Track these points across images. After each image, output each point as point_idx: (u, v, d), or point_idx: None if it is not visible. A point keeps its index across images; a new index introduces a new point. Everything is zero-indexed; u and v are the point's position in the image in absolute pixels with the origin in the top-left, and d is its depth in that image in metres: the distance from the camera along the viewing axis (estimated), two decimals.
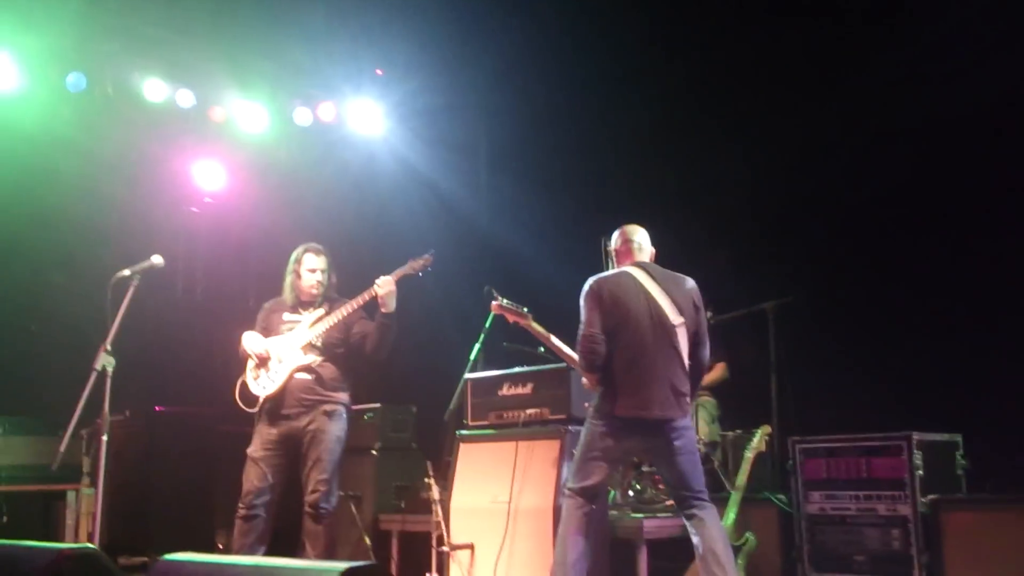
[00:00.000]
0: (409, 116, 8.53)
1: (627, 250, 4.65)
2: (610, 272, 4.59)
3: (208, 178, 8.35)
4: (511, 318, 5.02)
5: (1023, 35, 5.29)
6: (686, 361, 4.42)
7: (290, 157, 8.36)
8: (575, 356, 4.63)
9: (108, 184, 7.49)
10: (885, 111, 6.01)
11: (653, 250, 4.70)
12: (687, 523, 4.35)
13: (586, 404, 4.68)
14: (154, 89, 7.66)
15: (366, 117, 8.48)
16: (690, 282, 4.57)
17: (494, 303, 5.04)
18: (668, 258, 6.94)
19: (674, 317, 4.39)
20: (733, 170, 6.88)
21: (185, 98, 7.81)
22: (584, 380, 4.65)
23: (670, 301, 4.42)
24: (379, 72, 8.45)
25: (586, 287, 4.48)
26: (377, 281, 5.16)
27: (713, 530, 4.28)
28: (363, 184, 8.65)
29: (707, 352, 4.61)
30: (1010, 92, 5.36)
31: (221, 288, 8.45)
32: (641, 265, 4.57)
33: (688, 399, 4.44)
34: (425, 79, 8.15)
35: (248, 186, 8.45)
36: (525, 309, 4.99)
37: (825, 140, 6.34)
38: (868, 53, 6.22)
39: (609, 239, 5.83)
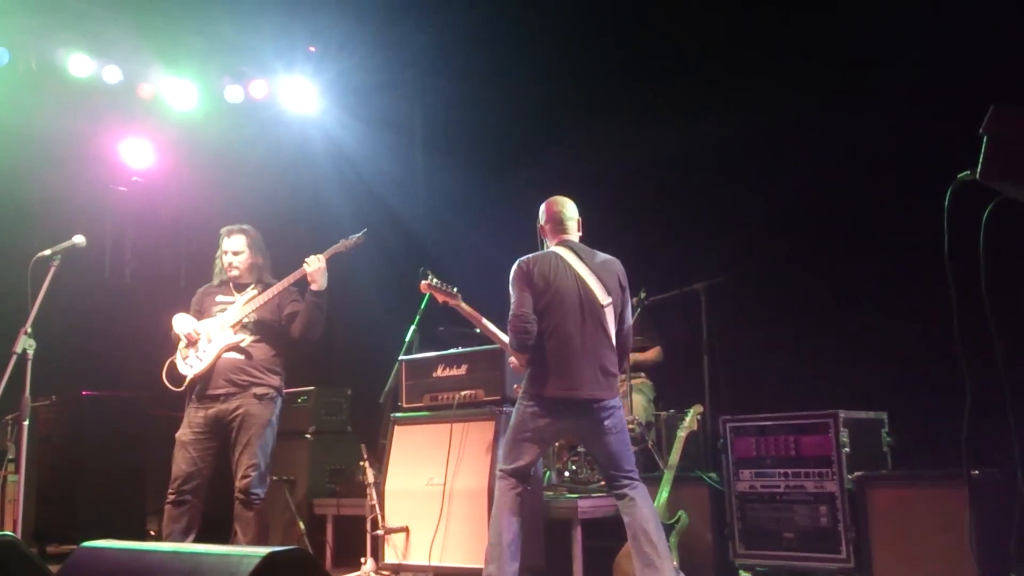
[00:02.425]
0: (343, 94, 8.43)
1: (554, 226, 4.65)
2: (538, 252, 4.58)
3: (136, 156, 8.17)
4: (440, 298, 4.99)
5: (953, 26, 5.39)
6: (614, 341, 4.47)
7: (221, 135, 8.19)
8: (505, 338, 4.63)
9: (31, 162, 7.28)
10: (816, 96, 6.08)
11: (580, 219, 4.71)
12: (618, 503, 4.38)
13: (516, 386, 4.67)
14: (79, 64, 7.46)
15: (299, 95, 8.35)
16: (616, 262, 4.62)
17: (423, 282, 5.00)
18: (602, 238, 6.95)
19: (603, 297, 4.43)
20: (667, 151, 6.91)
21: (112, 74, 7.62)
22: (512, 360, 4.65)
23: (598, 281, 4.45)
24: (312, 49, 8.32)
25: (515, 267, 4.48)
26: (307, 259, 5.11)
27: (644, 509, 4.31)
28: (297, 163, 8.53)
29: (630, 331, 4.66)
30: (930, 85, 5.48)
31: (151, 270, 8.29)
32: (568, 244, 4.58)
33: (617, 379, 4.48)
34: (359, 57, 8.04)
35: (178, 165, 8.27)
36: (455, 289, 4.97)
37: (757, 123, 6.39)
38: (802, 37, 6.28)
39: None
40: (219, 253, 5.34)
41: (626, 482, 4.37)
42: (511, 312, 4.40)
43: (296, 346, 5.32)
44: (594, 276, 4.46)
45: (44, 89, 7.34)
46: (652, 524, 4.29)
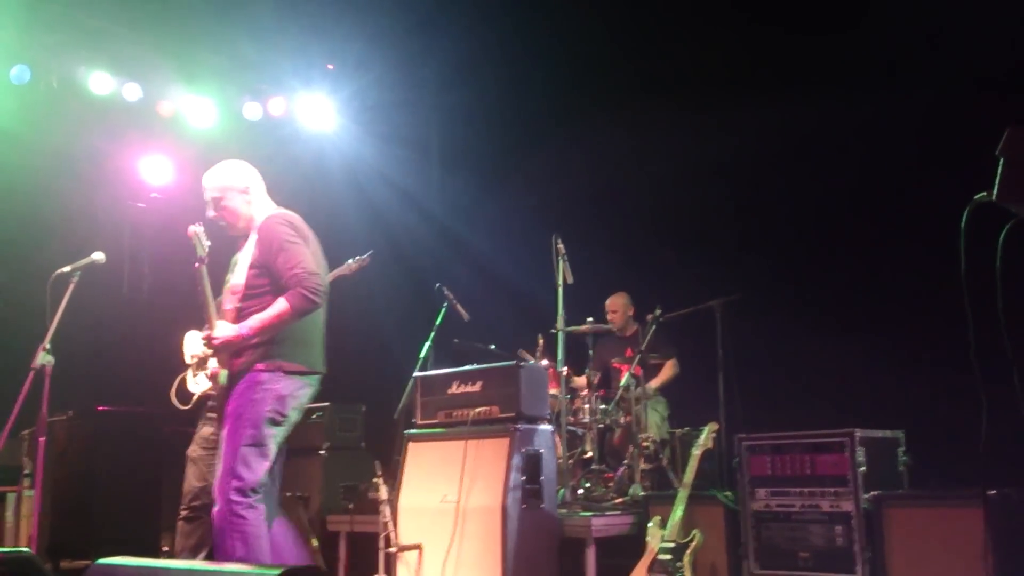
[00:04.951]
0: (360, 112, 8.50)
1: (262, 191, 4.44)
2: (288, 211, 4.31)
3: (155, 173, 8.25)
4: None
5: (965, 35, 5.40)
6: None
7: (239, 152, 8.15)
8: (228, 327, 4.03)
9: (52, 179, 7.37)
10: (830, 112, 6.07)
11: None
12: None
13: (237, 360, 4.07)
14: (100, 82, 7.55)
15: (317, 112, 8.44)
16: None
17: (192, 228, 4.34)
18: (618, 254, 6.97)
19: None
20: (682, 168, 6.92)
21: (132, 92, 7.71)
22: (249, 329, 4.00)
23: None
24: (330, 67, 8.40)
25: (292, 219, 4.21)
26: None
27: None
28: (314, 180, 8.58)
29: None
30: (948, 96, 5.47)
31: (168, 285, 8.33)
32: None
33: None
34: (376, 75, 8.12)
35: (196, 181, 8.22)
36: (204, 255, 4.25)
37: (772, 140, 6.40)
38: (821, 53, 6.28)
39: (559, 237, 5.87)
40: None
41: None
42: (304, 269, 4.02)
43: None
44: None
45: (65, 106, 7.44)
46: None
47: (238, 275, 4.14)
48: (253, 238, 4.20)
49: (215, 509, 3.90)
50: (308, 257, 4.08)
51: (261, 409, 3.98)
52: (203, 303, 4.11)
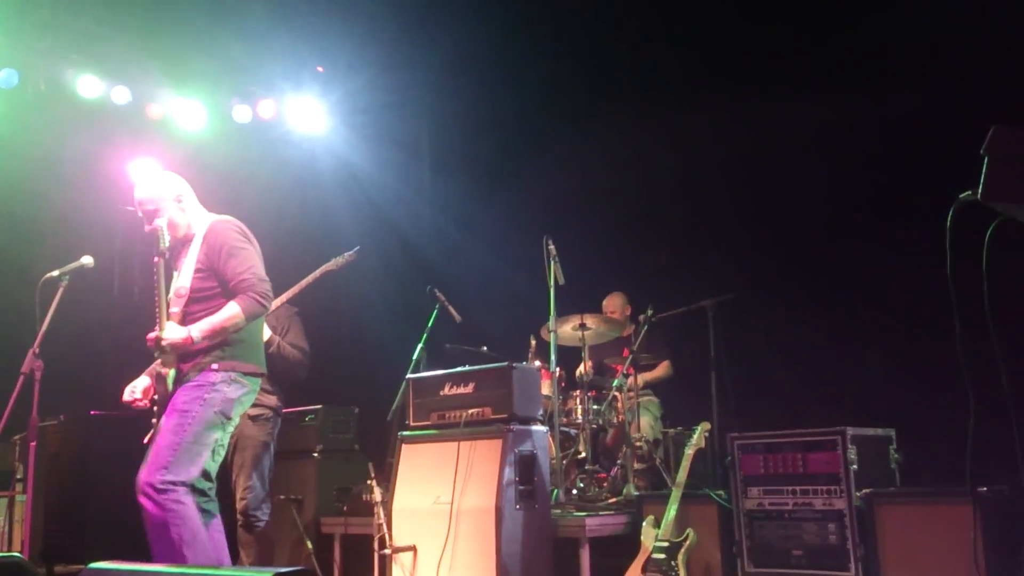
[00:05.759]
0: (351, 114, 8.48)
1: (195, 199, 4.38)
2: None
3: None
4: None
5: (958, 36, 5.42)
6: None
7: (229, 155, 8.23)
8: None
9: (40, 183, 7.35)
10: (820, 113, 6.09)
11: None
12: (214, 519, 4.16)
13: (216, 365, 4.13)
14: (88, 86, 7.53)
15: (307, 115, 8.41)
16: None
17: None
18: (608, 255, 6.97)
19: None
20: (674, 169, 6.93)
21: (120, 95, 7.69)
22: (200, 332, 4.04)
23: None
24: (320, 69, 8.38)
25: (238, 222, 4.28)
26: None
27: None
28: (304, 182, 8.58)
29: None
30: (935, 96, 5.48)
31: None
32: None
33: None
34: (367, 77, 8.10)
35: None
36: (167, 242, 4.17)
37: (764, 141, 6.42)
38: (808, 53, 6.30)
39: (550, 239, 5.89)
40: None
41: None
42: (255, 274, 4.12)
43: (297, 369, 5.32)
44: None
45: (53, 110, 7.41)
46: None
47: (183, 278, 4.14)
48: (196, 242, 4.21)
49: (147, 503, 3.91)
50: (258, 262, 4.19)
51: (209, 410, 4.03)
52: (157, 300, 4.10)
